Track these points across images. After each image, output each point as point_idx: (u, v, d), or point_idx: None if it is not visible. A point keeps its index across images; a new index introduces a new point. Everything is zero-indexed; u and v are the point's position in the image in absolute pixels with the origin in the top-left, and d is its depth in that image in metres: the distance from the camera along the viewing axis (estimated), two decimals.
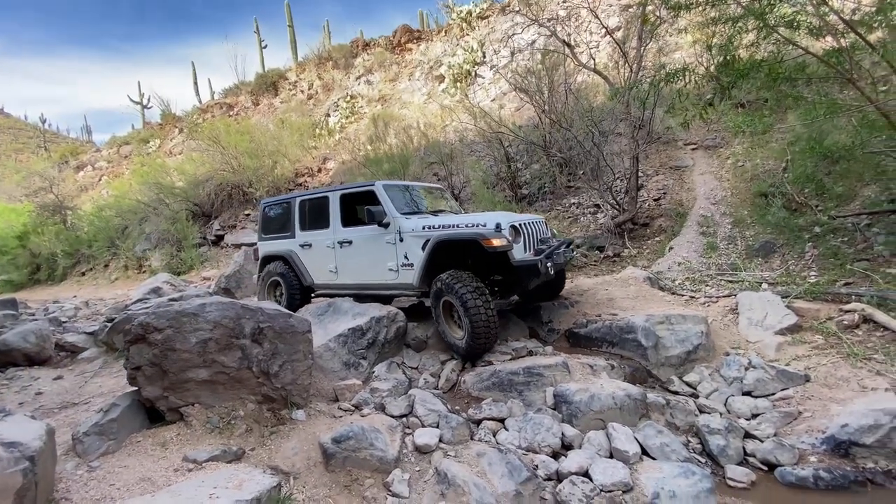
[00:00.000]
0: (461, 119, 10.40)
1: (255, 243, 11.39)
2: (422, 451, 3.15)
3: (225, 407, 3.17)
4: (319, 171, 13.77)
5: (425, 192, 5.72)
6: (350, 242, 5.17)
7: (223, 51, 77.94)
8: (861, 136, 5.23)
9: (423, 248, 4.44)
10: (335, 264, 5.33)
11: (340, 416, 3.45)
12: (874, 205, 5.82)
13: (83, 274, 14.74)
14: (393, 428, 3.26)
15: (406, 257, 4.66)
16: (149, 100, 27.00)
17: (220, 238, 12.80)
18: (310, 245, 5.57)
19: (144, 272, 12.79)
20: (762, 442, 3.21)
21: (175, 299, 3.31)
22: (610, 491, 2.72)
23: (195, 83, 26.16)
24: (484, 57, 14.58)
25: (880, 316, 4.03)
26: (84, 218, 16.17)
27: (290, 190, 13.42)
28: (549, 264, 4.12)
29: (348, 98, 16.82)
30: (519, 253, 4.20)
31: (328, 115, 16.67)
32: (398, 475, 2.89)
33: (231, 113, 20.48)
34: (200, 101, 24.84)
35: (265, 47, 23.19)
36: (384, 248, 4.82)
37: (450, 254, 4.37)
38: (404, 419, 3.51)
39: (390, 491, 2.80)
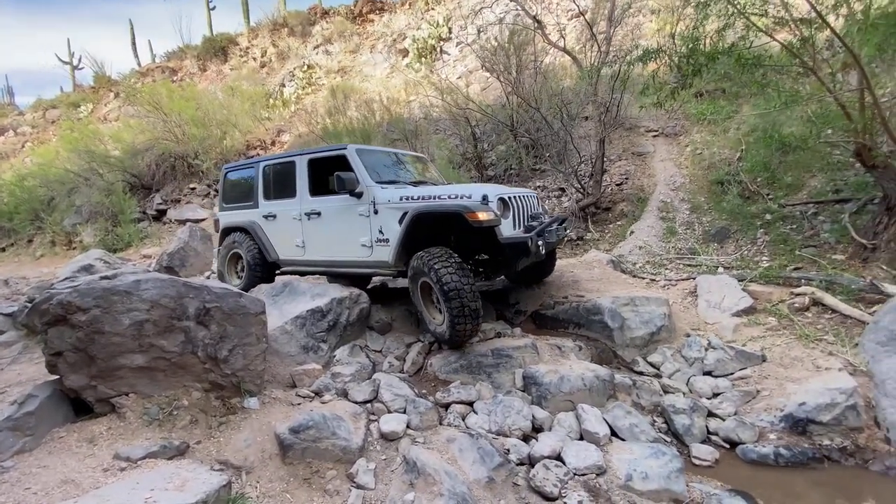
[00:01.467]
0: (427, 94, 10.03)
1: (202, 219, 10.58)
2: (388, 438, 2.96)
3: (166, 396, 2.83)
4: (273, 143, 12.97)
5: (405, 160, 5.19)
6: (318, 214, 4.63)
7: (166, 10, 71.55)
8: (816, 127, 5.43)
9: (401, 221, 3.99)
10: (302, 238, 4.80)
11: (299, 404, 3.19)
12: (820, 195, 6.14)
13: (3, 250, 13.21)
14: (357, 415, 3.05)
15: (381, 232, 4.19)
16: (80, 60, 24.37)
17: (162, 213, 11.81)
18: (274, 216, 5.02)
19: (74, 248, 11.61)
20: (724, 420, 3.28)
21: (107, 277, 2.89)
22: (584, 474, 2.67)
23: (133, 44, 23.93)
24: (450, 33, 14.15)
25: (829, 299, 4.23)
26: (4, 188, 14.42)
27: None
28: (540, 243, 3.77)
29: (305, 68, 15.89)
30: (507, 229, 3.83)
31: (283, 85, 15.70)
32: (363, 465, 2.70)
33: (175, 78, 18.85)
34: (139, 64, 22.74)
35: (213, 9, 21.54)
36: (356, 221, 4.33)
37: (430, 229, 3.95)
38: (369, 405, 3.30)
39: (354, 482, 2.60)
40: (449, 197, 3.85)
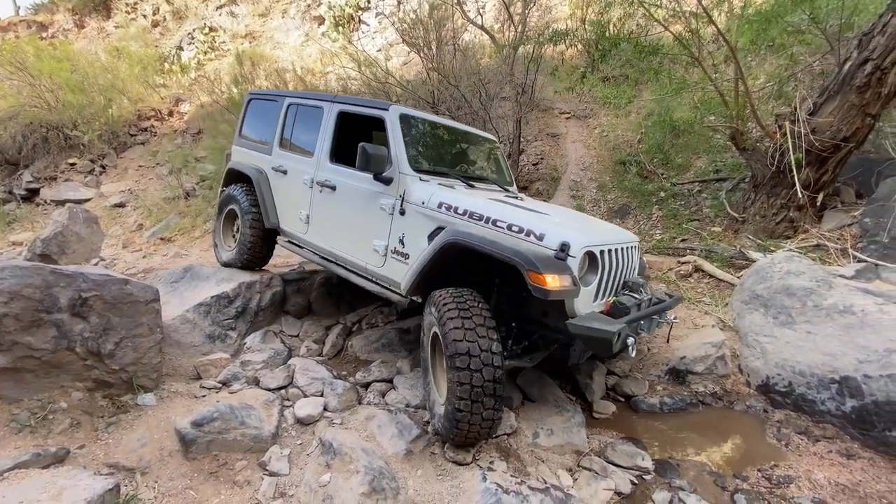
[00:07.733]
0: (345, 66, 9.58)
1: (86, 199, 9.32)
2: (304, 422, 2.89)
3: (38, 400, 2.49)
4: (171, 114, 11.69)
5: (467, 141, 3.95)
6: (333, 188, 3.51)
7: None
8: (700, 113, 6.05)
9: (431, 238, 2.83)
10: (308, 211, 3.75)
11: (203, 396, 2.99)
12: (704, 174, 6.89)
13: None
14: (269, 402, 2.92)
15: (402, 241, 3.01)
16: None
17: (33, 192, 10.19)
18: (285, 171, 3.95)
19: None
20: (621, 377, 3.64)
21: None
22: (497, 437, 2.81)
23: None
24: (368, 2, 13.55)
25: (707, 266, 4.81)
26: None
27: (133, 136, 11.22)
28: (630, 340, 2.41)
29: (207, 30, 14.38)
30: (586, 302, 2.52)
31: (181, 49, 14.11)
32: (276, 452, 2.60)
33: (44, 35, 16.09)
34: None
35: None
36: (375, 215, 3.17)
37: (468, 262, 2.75)
38: (283, 391, 3.18)
39: (267, 470, 2.51)
40: (509, 228, 2.55)
